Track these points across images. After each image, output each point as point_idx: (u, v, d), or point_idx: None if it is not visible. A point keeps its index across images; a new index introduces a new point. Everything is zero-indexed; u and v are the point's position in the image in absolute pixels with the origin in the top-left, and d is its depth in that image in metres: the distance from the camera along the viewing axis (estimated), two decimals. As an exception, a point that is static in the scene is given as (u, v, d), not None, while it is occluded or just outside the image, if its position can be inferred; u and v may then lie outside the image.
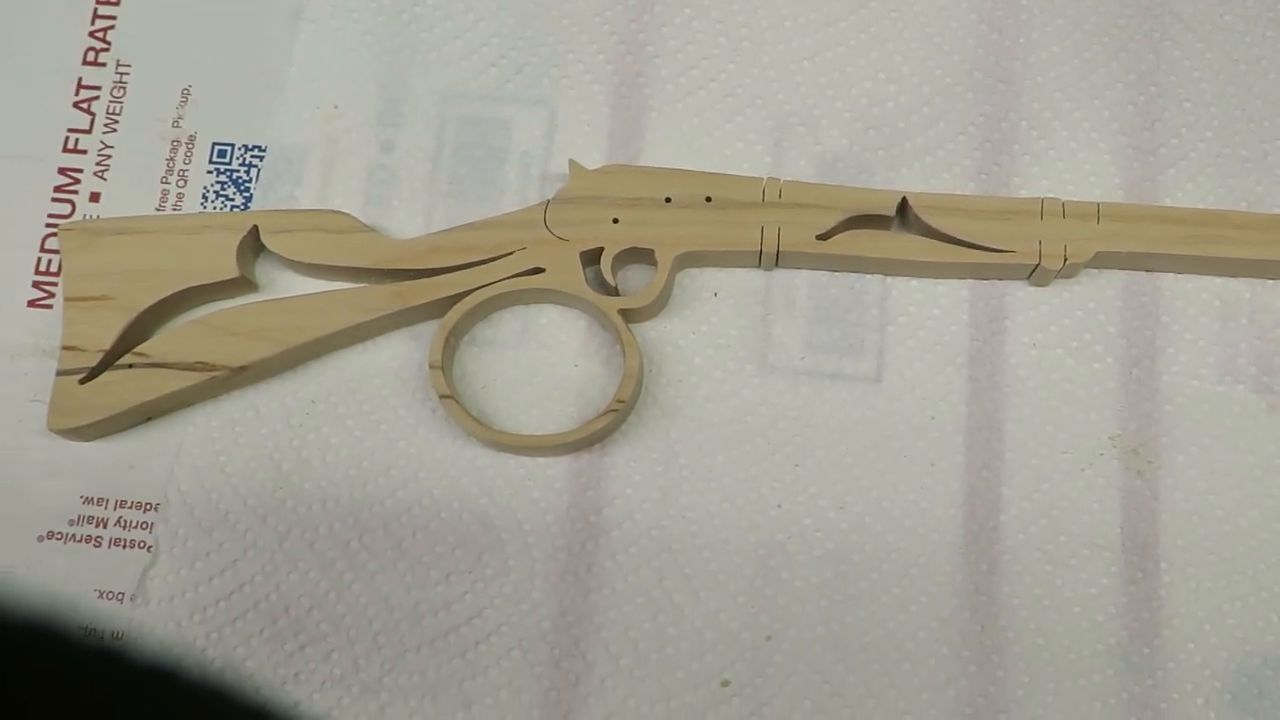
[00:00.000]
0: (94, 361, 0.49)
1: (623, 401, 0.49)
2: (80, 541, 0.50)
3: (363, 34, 0.56)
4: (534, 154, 0.54)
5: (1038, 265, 0.51)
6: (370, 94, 0.55)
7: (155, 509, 0.50)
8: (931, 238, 0.51)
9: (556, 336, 0.52)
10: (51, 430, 0.49)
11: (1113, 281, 0.52)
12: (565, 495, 0.51)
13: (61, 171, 0.54)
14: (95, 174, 0.54)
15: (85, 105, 0.55)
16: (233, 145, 0.55)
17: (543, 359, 0.52)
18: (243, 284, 0.52)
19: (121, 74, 0.56)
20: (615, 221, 0.51)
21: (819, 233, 0.51)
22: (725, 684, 0.48)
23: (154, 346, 0.50)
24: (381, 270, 0.51)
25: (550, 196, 0.52)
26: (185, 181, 0.54)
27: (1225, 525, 0.50)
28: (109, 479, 0.51)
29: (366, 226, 0.52)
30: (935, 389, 0.52)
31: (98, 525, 0.50)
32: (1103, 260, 0.51)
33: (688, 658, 0.49)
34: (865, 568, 0.50)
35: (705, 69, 0.55)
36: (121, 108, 0.55)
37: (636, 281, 0.52)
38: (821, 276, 0.53)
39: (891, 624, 0.49)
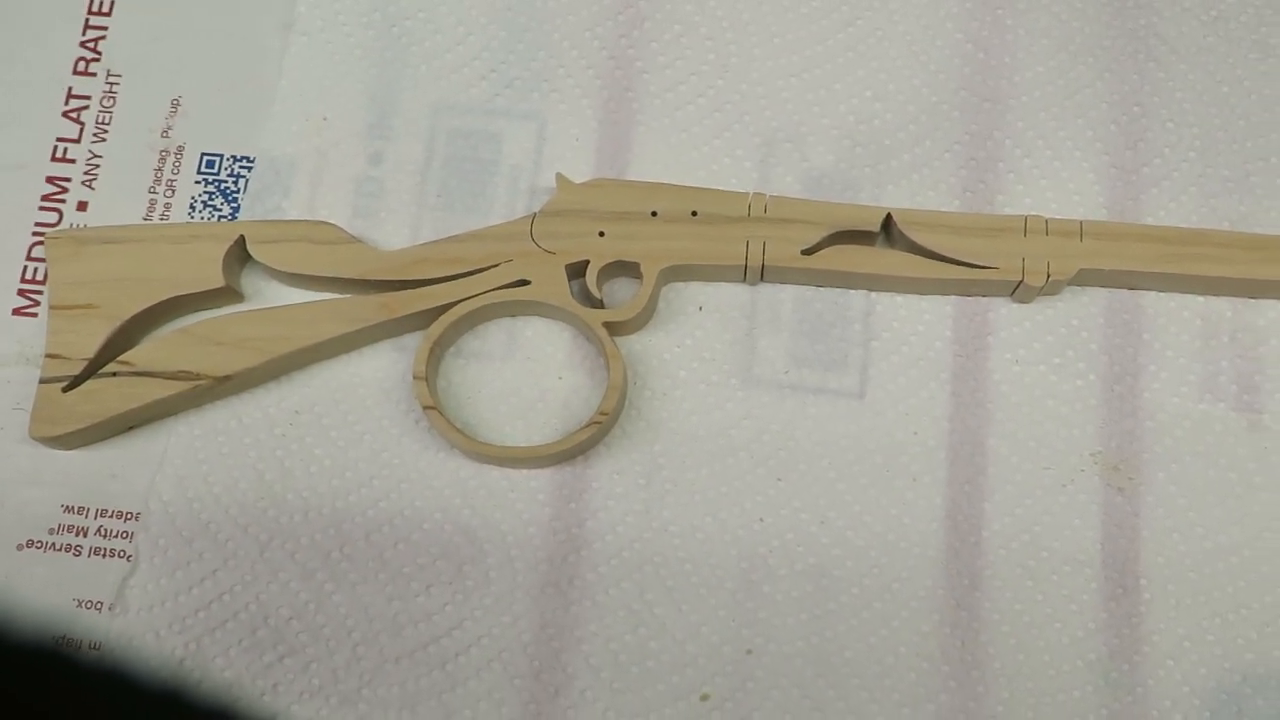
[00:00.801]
0: (78, 370, 0.49)
1: (606, 414, 0.49)
2: (60, 550, 0.50)
3: (353, 47, 0.56)
4: (523, 167, 0.55)
5: (1021, 282, 0.51)
6: (360, 106, 0.55)
7: (136, 518, 0.50)
8: (916, 254, 0.52)
9: (542, 349, 0.52)
10: (33, 438, 0.49)
11: (1095, 299, 0.53)
12: (548, 507, 0.51)
13: (50, 180, 0.55)
14: (83, 183, 0.54)
15: (75, 115, 0.55)
16: (221, 156, 0.55)
17: (528, 371, 0.52)
18: (229, 294, 0.52)
19: (112, 84, 0.56)
20: (601, 235, 0.51)
21: (804, 248, 0.51)
22: (705, 697, 0.48)
23: (138, 355, 0.50)
24: (367, 281, 0.51)
25: (538, 210, 0.52)
26: (173, 191, 0.55)
27: (1205, 542, 0.50)
28: (90, 488, 0.51)
29: (353, 237, 0.52)
30: (918, 404, 0.52)
31: (78, 534, 0.50)
32: (1085, 278, 0.52)
33: (668, 671, 0.49)
34: (846, 582, 0.50)
35: (693, 85, 0.55)
36: (111, 118, 0.55)
37: (622, 295, 0.53)
38: (807, 291, 0.53)
39: (872, 639, 0.49)
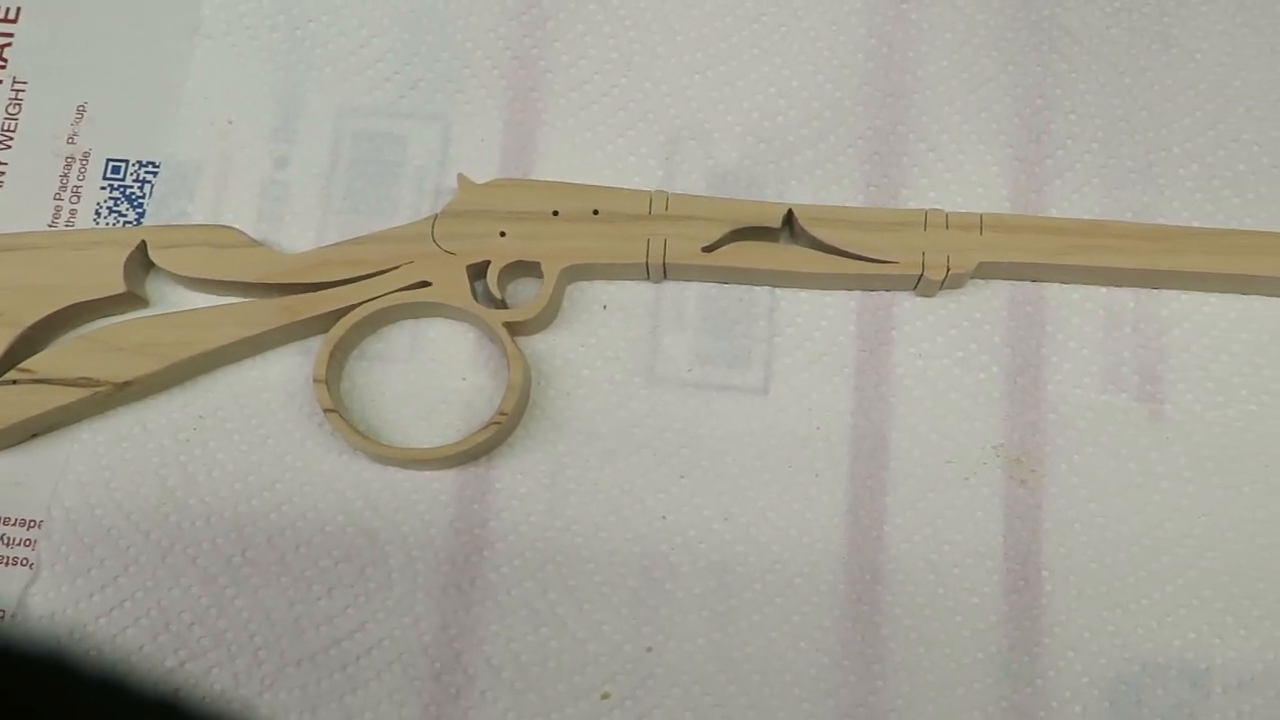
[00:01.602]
0: (-23, 377, 0.49)
1: (505, 414, 0.49)
2: (-39, 558, 0.50)
3: (258, 50, 0.56)
4: (428, 169, 0.55)
5: (921, 276, 0.51)
6: (265, 110, 0.55)
7: (38, 525, 0.50)
8: (817, 249, 0.52)
9: (445, 350, 0.52)
10: (-66, 447, 0.49)
11: (998, 292, 0.53)
12: (451, 508, 0.51)
13: (-46, 188, 0.55)
14: (-11, 191, 0.55)
15: (-19, 122, 0.55)
16: (127, 161, 0.55)
17: (431, 373, 0.52)
18: (131, 300, 0.52)
19: (17, 91, 0.56)
20: (502, 235, 0.51)
21: (705, 245, 0.51)
22: (606, 696, 0.48)
23: (39, 362, 0.50)
24: (270, 285, 0.51)
25: (440, 211, 0.52)
26: (79, 198, 0.54)
27: (1107, 533, 0.50)
28: (-7, 495, 0.51)
29: (255, 241, 0.52)
30: (821, 400, 0.52)
31: (-22, 542, 0.50)
32: (987, 271, 0.52)
33: (569, 670, 0.49)
34: (749, 578, 0.50)
35: (598, 84, 0.55)
36: (16, 124, 0.55)
37: (528, 295, 0.53)
38: (711, 289, 0.53)
39: (774, 634, 0.49)
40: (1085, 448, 0.51)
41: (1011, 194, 0.54)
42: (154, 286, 0.53)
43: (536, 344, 0.52)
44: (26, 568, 0.50)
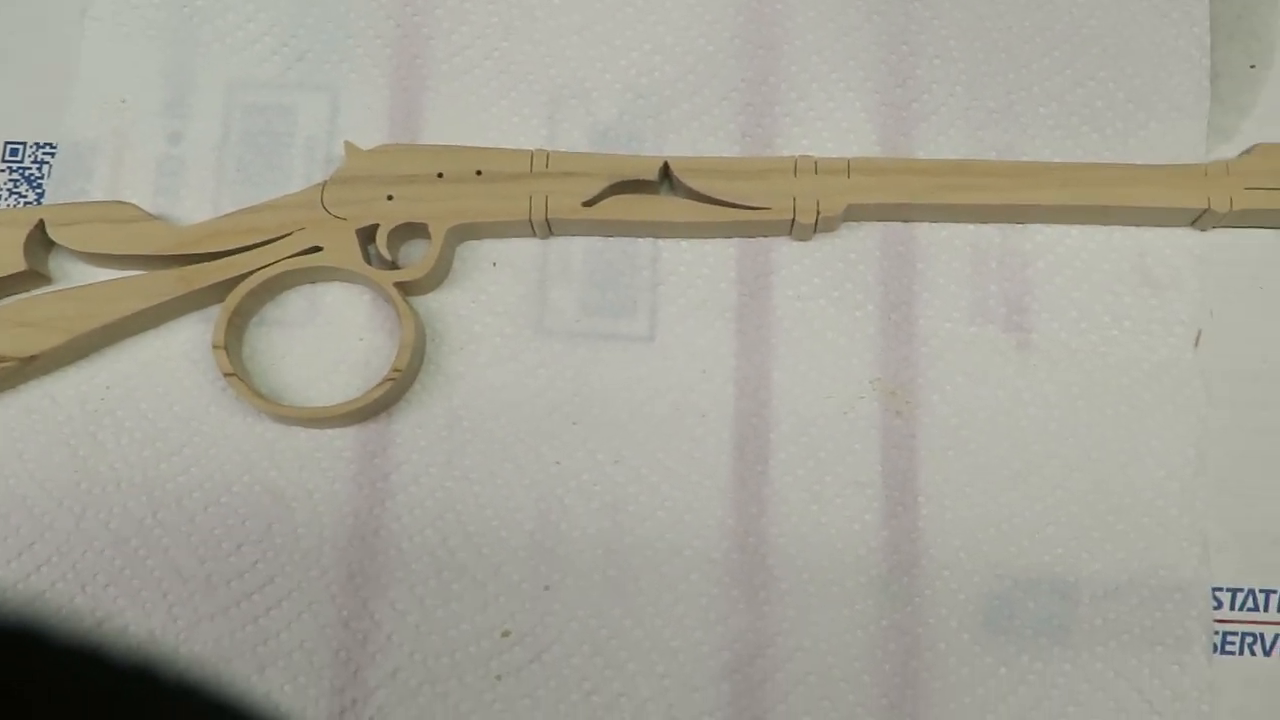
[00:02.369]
0: (-117, 360, 0.51)
1: (399, 370, 0.52)
2: (-122, 534, 0.52)
3: (146, 27, 0.57)
4: (318, 138, 0.56)
5: (794, 220, 0.53)
6: (156, 87, 0.57)
7: (-48, 499, 0.52)
8: (695, 199, 0.54)
9: (341, 313, 0.54)
10: None
11: (871, 233, 0.55)
12: (353, 464, 0.53)
13: None
14: (-110, 178, 0.56)
15: (-123, 111, 0.57)
16: (25, 144, 0.56)
17: (329, 335, 0.54)
18: (34, 278, 0.53)
19: (-87, 79, 0.57)
20: (390, 199, 0.53)
21: (585, 199, 0.53)
22: (506, 634, 0.51)
23: (-57, 342, 0.52)
24: (167, 257, 0.53)
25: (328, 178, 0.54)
26: (-21, 181, 0.56)
27: (979, 458, 0.53)
28: (-93, 472, 0.52)
29: (150, 215, 0.54)
30: (705, 344, 0.54)
31: (-107, 517, 0.52)
32: (857, 213, 0.54)
33: (471, 611, 0.51)
34: (640, 517, 0.52)
35: (479, 48, 0.57)
36: (-87, 112, 0.57)
37: (419, 256, 0.54)
38: (596, 243, 0.55)
39: (665, 568, 0.52)
40: (956, 378, 0.54)
41: (880, 138, 0.56)
42: (57, 264, 0.55)
43: (429, 302, 0.54)
44: (-57, 540, 0.51)
